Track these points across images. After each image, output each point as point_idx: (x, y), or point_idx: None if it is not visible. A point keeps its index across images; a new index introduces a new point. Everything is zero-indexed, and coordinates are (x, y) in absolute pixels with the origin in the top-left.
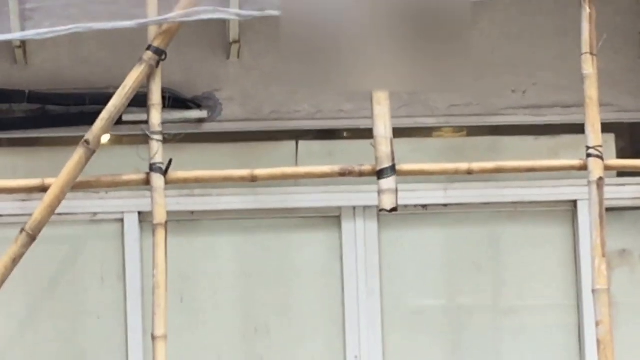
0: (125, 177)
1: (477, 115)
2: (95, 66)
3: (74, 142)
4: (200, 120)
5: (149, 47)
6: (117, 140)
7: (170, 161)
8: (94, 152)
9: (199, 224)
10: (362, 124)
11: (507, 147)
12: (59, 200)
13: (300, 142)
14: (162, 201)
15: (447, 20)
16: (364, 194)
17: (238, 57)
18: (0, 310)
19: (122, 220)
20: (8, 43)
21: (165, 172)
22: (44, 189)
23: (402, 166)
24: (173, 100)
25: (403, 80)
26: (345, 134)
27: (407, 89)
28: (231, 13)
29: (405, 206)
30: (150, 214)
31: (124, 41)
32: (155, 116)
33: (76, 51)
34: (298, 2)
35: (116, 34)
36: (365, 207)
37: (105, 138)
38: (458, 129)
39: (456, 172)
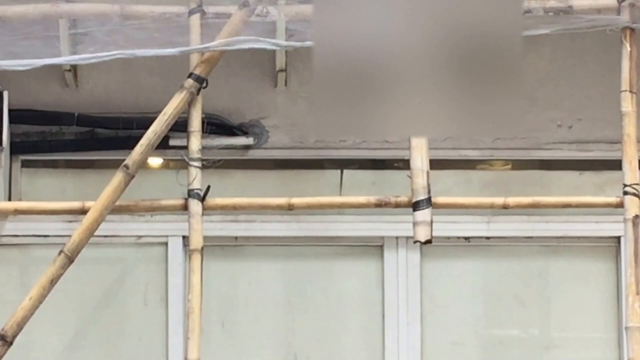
0: (164, 202)
1: (522, 149)
2: (144, 91)
3: (121, 164)
4: (247, 147)
5: (190, 75)
6: (164, 164)
7: (208, 188)
8: (133, 176)
9: (242, 250)
10: (407, 154)
11: (552, 182)
12: (97, 223)
13: (345, 171)
14: (199, 227)
15: (497, 56)
16: (407, 224)
17: (285, 85)
18: (44, 330)
19: (166, 244)
20: (59, 66)
21: (203, 199)
22: (84, 211)
23: (438, 199)
24: (219, 127)
25: (444, 125)
26: (389, 164)
27: (448, 134)
28: (271, 43)
29: (448, 238)
30: None
31: (172, 67)
32: (195, 143)
33: (126, 76)
34: (332, 34)
35: (165, 61)
36: (407, 238)
37: (157, 162)
38: (503, 163)
39: (492, 206)
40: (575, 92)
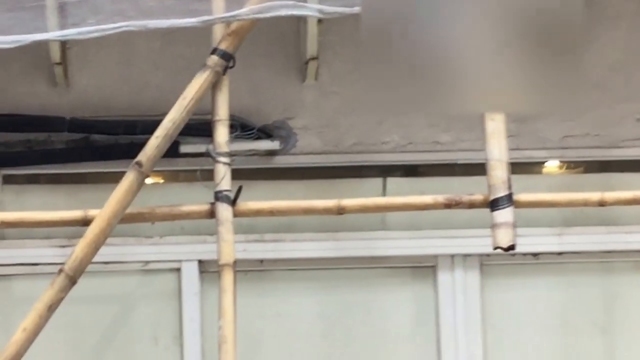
0: (185, 208)
1: (595, 148)
2: (148, 89)
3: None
4: (271, 153)
5: (214, 51)
6: (172, 177)
7: (239, 188)
8: (147, 176)
9: (269, 275)
10: (462, 157)
11: (631, 186)
12: (104, 234)
13: (389, 180)
14: (230, 237)
15: (559, 26)
16: (464, 240)
17: (315, 79)
18: None
19: (178, 270)
20: (46, 60)
21: (233, 202)
22: (86, 222)
23: (520, 196)
24: (239, 130)
25: (517, 99)
26: (441, 170)
27: (525, 110)
28: (313, 9)
29: (513, 254)
30: (212, 262)
31: (182, 60)
32: (222, 134)
33: (126, 72)
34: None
35: (171, 52)
36: (465, 256)
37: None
38: (573, 165)
39: (586, 204)
40: None
